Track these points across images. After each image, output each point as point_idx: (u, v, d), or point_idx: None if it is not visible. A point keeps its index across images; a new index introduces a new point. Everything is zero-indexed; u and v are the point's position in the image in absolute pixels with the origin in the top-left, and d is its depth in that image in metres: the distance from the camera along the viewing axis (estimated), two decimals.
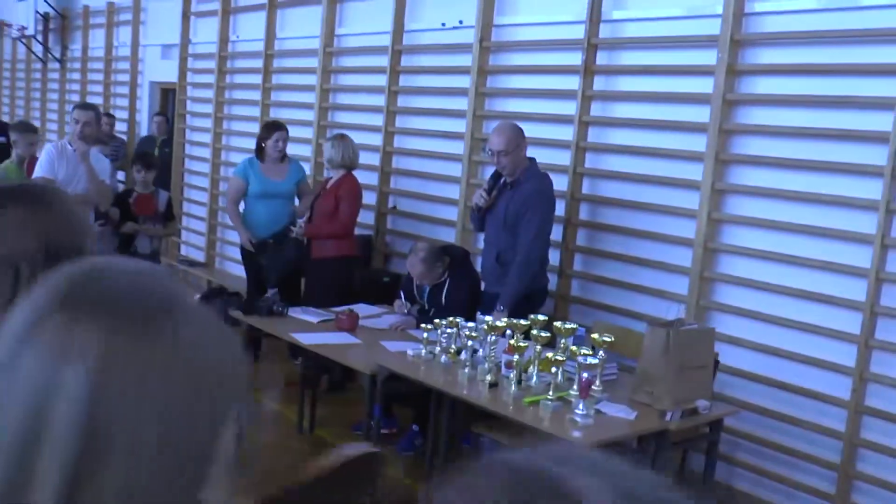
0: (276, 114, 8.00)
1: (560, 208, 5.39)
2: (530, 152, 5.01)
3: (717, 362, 4.42)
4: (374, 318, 5.03)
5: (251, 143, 6.84)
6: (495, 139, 4.82)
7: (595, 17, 5.36)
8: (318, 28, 7.48)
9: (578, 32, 5.43)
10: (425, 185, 6.51)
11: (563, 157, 5.46)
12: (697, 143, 4.81)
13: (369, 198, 6.55)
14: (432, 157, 6.44)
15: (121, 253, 6.07)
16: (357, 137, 6.42)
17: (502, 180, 4.92)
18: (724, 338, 4.69)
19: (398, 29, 6.76)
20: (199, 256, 9.01)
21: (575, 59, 5.43)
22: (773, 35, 4.58)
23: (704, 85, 4.79)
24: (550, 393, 3.54)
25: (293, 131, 6.73)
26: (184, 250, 9.39)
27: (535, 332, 3.82)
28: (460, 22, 6.29)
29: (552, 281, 5.46)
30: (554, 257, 5.44)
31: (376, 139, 6.84)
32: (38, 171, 5.36)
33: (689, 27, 4.94)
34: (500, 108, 6.01)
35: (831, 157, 4.30)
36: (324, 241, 5.86)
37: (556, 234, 5.42)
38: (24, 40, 12.58)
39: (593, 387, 3.73)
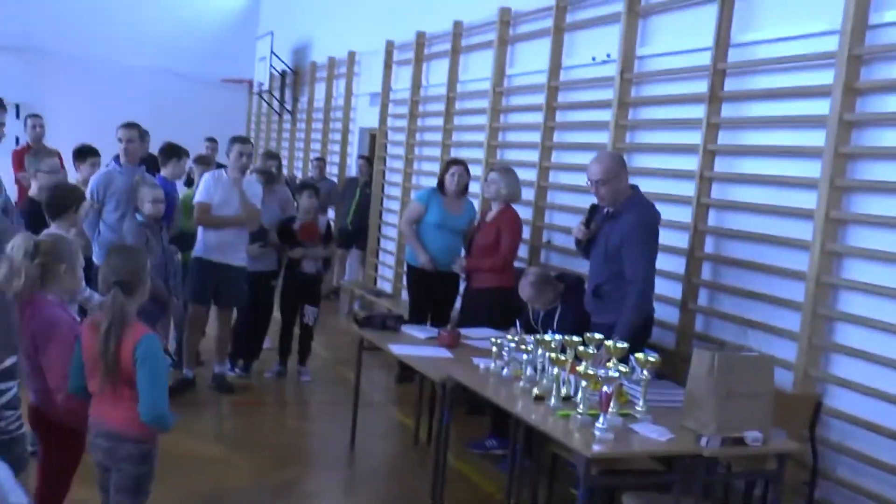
0: (455, 153, 8.51)
1: (684, 240, 5.34)
2: (658, 184, 4.95)
3: (819, 404, 4.20)
4: (484, 340, 5.18)
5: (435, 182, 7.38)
6: (593, 168, 4.76)
7: (722, 42, 5.30)
8: (490, 69, 7.89)
9: (705, 59, 5.39)
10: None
11: (689, 188, 5.42)
12: (813, 169, 4.60)
13: (524, 232, 6.77)
14: (587, 191, 6.50)
15: (289, 274, 6.80)
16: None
17: (605, 210, 4.89)
18: (834, 380, 4.43)
19: (554, 66, 7.02)
20: (389, 288, 9.63)
21: (701, 86, 5.40)
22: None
23: (821, 107, 4.58)
24: (581, 407, 3.57)
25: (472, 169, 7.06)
26: (379, 283, 10.09)
27: (583, 348, 3.86)
28: (608, 56, 6.43)
29: (672, 314, 5.40)
30: (675, 290, 5.38)
31: (531, 174, 7.08)
32: (198, 197, 6.20)
33: (806, 46, 4.76)
34: (640, 139, 6.04)
35: None
36: (482, 272, 6.09)
37: (679, 266, 5.37)
38: (263, 95, 14.19)
39: (637, 407, 3.73)
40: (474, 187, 7.74)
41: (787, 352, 4.65)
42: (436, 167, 8.62)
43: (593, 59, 6.65)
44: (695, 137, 5.43)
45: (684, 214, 5.40)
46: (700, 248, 5.37)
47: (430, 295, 6.59)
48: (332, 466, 5.27)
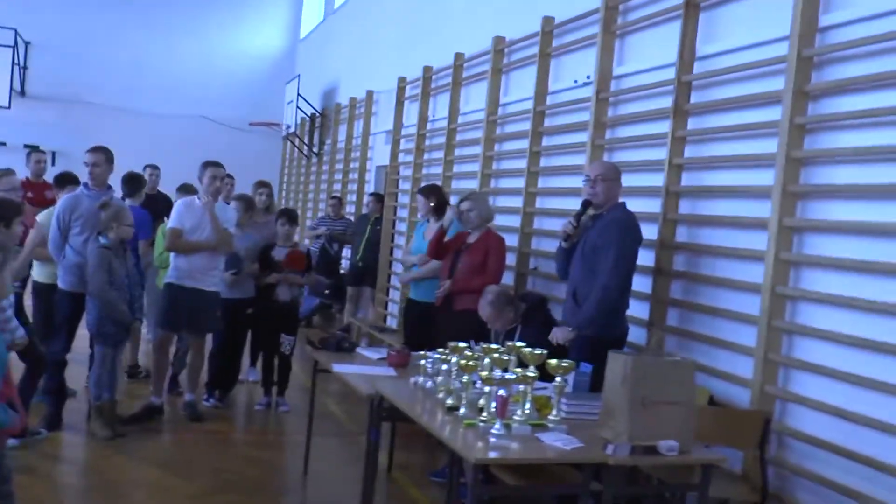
0: (455, 184, 8.55)
1: (650, 258, 5.23)
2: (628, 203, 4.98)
3: (768, 421, 4.11)
4: None
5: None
6: (593, 166, 5.03)
7: (687, 55, 5.25)
8: (485, 99, 7.94)
9: (671, 74, 5.34)
10: None
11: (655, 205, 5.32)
12: (769, 177, 4.48)
13: (509, 259, 6.73)
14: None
15: (262, 301, 6.85)
16: (498, 200, 6.60)
17: (590, 219, 4.94)
18: (792, 397, 4.25)
19: (541, 92, 7.04)
20: (394, 324, 9.63)
21: (668, 101, 5.34)
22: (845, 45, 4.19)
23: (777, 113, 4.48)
24: (484, 415, 3.50)
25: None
26: (388, 320, 10.08)
27: (497, 356, 3.80)
28: (588, 77, 6.41)
29: (640, 335, 5.26)
30: (643, 310, 5.26)
31: (518, 201, 7.05)
32: (170, 223, 6.34)
33: (763, 53, 4.68)
34: (615, 158, 5.98)
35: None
36: (468, 294, 6.05)
37: (646, 286, 5.25)
38: (292, 139, 14.55)
39: (551, 416, 3.63)
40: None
41: (745, 368, 4.49)
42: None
43: (575, 81, 6.64)
44: (661, 153, 5.36)
45: (651, 231, 5.28)
46: (669, 263, 5.25)
47: (429, 328, 6.58)
48: (275, 495, 5.24)
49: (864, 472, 3.78)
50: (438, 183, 8.81)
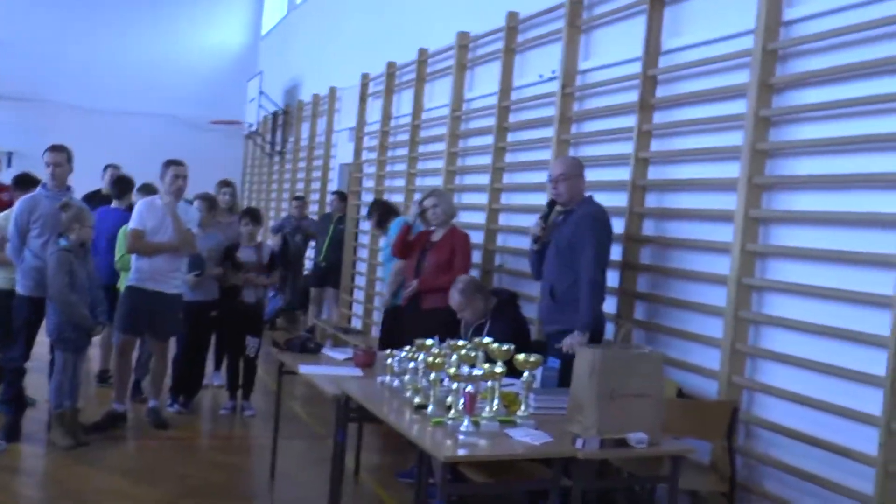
0: (420, 182, 8.52)
1: (617, 251, 5.26)
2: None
3: (736, 410, 4.13)
4: None
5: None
6: (555, 165, 5.03)
7: (652, 49, 5.28)
8: (449, 95, 7.93)
9: (636, 68, 5.38)
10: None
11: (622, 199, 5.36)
12: (735, 170, 4.52)
13: (474, 256, 6.74)
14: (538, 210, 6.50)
15: (226, 303, 6.80)
16: (463, 197, 6.58)
17: (559, 215, 4.97)
18: (759, 386, 4.29)
19: (506, 87, 7.04)
20: (359, 325, 9.61)
21: (634, 95, 5.37)
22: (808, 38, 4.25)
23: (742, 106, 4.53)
24: (452, 412, 3.49)
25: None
26: (354, 321, 10.05)
27: (465, 352, 3.80)
28: (553, 72, 6.42)
29: (608, 329, 5.29)
30: (611, 303, 5.29)
31: (483, 198, 7.05)
32: (131, 224, 6.26)
33: (729, 46, 4.73)
34: (581, 153, 6.00)
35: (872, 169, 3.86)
36: (435, 292, 6.08)
37: (614, 279, 5.28)
38: (254, 137, 14.46)
39: (519, 412, 3.64)
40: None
41: (713, 360, 4.53)
42: (402, 198, 8.65)
43: (540, 76, 6.65)
44: (627, 147, 5.41)
45: (618, 225, 5.32)
46: (636, 256, 5.29)
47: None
48: (241, 499, 5.20)
49: (829, 458, 3.84)
50: (403, 181, 8.83)
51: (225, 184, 7.77)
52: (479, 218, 7.07)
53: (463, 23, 7.92)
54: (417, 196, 6.97)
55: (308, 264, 11.30)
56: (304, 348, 5.37)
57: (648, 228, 5.27)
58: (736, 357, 4.40)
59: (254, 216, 7.11)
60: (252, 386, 7.12)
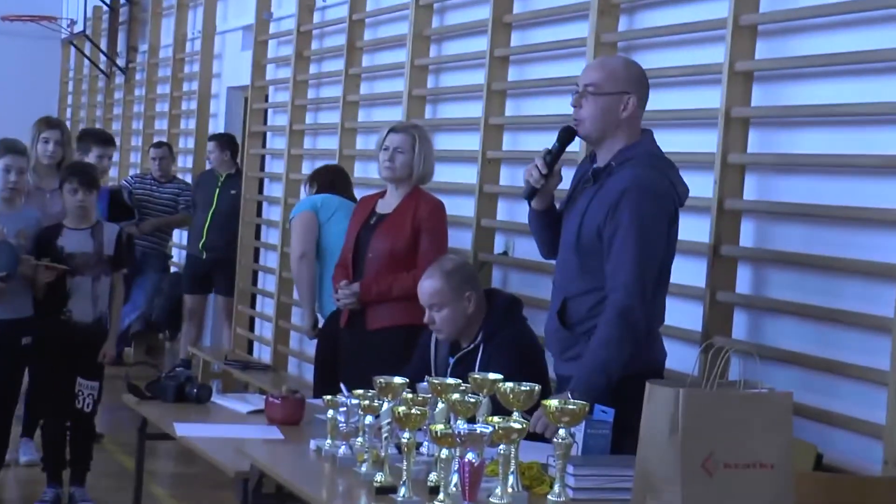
0: (366, 116, 8.62)
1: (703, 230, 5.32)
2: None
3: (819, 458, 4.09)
4: None
5: None
6: (587, 69, 4.91)
7: None
8: None
9: None
10: None
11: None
12: None
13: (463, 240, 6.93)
14: None
15: (44, 322, 6.79)
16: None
17: (586, 171, 4.82)
18: None
19: None
20: (267, 355, 9.71)
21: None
22: None
23: None
24: (441, 497, 3.47)
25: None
26: (256, 349, 10.07)
27: (458, 396, 3.79)
28: None
29: (686, 355, 5.28)
30: (693, 314, 5.35)
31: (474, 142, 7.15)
32: None
33: None
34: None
35: None
36: (391, 302, 6.16)
37: (698, 275, 5.32)
38: (78, 42, 14.38)
39: (551, 496, 3.65)
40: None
41: (876, 408, 4.54)
42: (335, 143, 8.77)
43: None
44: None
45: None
46: (733, 235, 5.31)
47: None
48: None
49: None
50: (337, 116, 8.79)
51: (47, 124, 7.68)
52: (470, 176, 7.16)
53: None
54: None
55: (178, 256, 11.25)
56: (183, 394, 5.41)
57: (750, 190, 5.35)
58: None
59: (85, 177, 7.04)
60: (88, 462, 7.05)
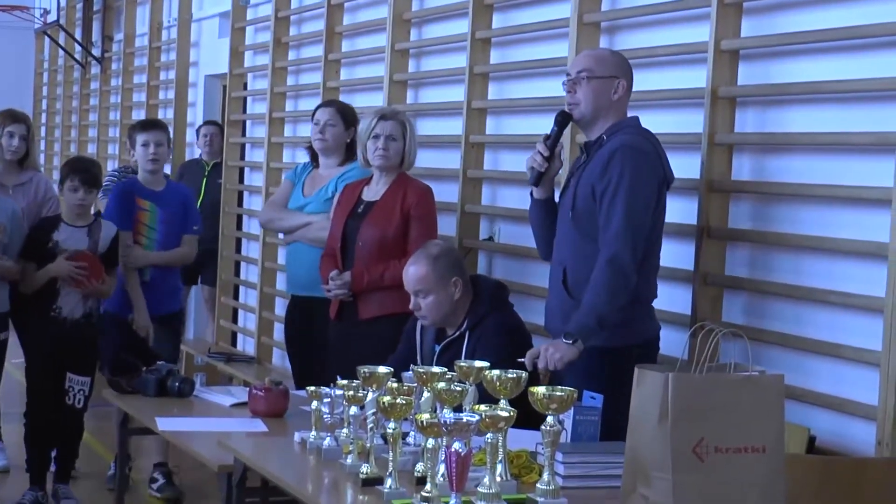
0: (347, 98, 8.49)
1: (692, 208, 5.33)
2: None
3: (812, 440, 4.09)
4: None
5: None
6: (578, 58, 5.22)
7: None
8: None
9: None
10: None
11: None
12: None
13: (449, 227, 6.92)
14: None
15: (37, 317, 6.84)
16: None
17: (580, 153, 5.05)
18: None
19: None
20: (251, 347, 9.67)
21: None
22: None
23: None
24: (427, 488, 3.47)
25: None
26: (241, 341, 10.05)
27: (444, 385, 3.80)
28: None
29: (677, 339, 5.28)
30: (682, 295, 5.36)
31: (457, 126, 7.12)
32: None
33: None
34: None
35: None
36: (379, 293, 6.15)
37: (686, 256, 5.32)
38: (52, 32, 14.33)
39: (540, 484, 3.64)
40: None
41: (869, 388, 4.55)
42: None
43: None
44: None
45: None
46: (722, 216, 5.31)
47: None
48: None
49: None
50: (317, 101, 8.75)
51: (11, 118, 7.62)
52: (453, 161, 7.14)
53: None
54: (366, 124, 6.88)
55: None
56: (165, 388, 5.42)
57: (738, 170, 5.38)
58: None
59: (87, 174, 7.01)
60: (74, 459, 7.04)
